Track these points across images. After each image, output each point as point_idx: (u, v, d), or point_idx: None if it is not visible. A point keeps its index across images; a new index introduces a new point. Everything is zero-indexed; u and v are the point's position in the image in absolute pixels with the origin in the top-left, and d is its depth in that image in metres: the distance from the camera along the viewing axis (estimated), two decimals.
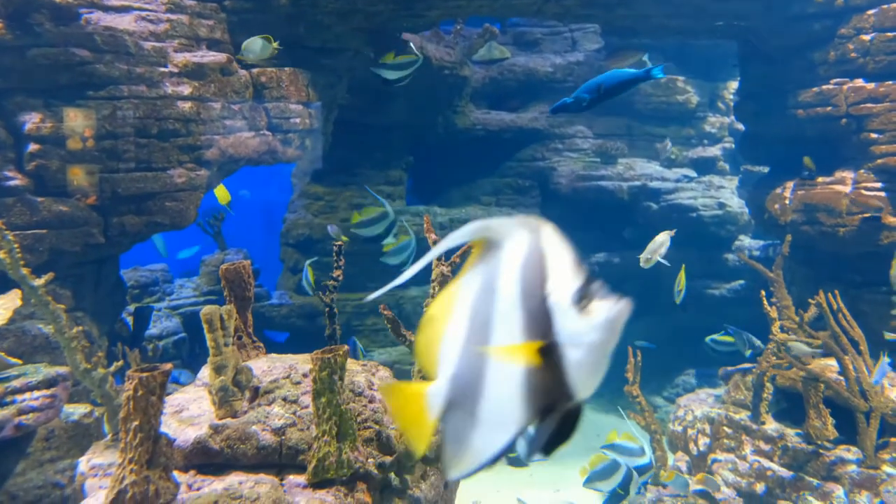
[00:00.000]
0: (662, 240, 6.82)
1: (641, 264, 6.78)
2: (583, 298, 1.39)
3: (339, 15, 7.52)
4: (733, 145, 12.28)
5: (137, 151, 6.48)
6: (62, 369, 5.15)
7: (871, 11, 7.26)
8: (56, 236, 6.13)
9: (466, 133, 11.73)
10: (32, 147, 6.03)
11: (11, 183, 5.97)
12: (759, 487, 6.29)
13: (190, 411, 3.61)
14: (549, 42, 12.98)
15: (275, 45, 6.84)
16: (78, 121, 6.18)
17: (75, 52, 6.12)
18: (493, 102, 12.38)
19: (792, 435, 6.36)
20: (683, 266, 7.63)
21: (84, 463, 3.78)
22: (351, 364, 3.88)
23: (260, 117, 7.38)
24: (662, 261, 6.83)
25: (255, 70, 7.37)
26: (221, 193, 9.14)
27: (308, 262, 9.71)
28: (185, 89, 6.71)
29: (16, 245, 4.49)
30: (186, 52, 6.88)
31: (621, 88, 6.46)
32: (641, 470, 6.41)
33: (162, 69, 6.66)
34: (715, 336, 9.08)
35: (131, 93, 6.42)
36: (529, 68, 12.40)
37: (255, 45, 6.83)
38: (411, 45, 8.85)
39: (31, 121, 6.02)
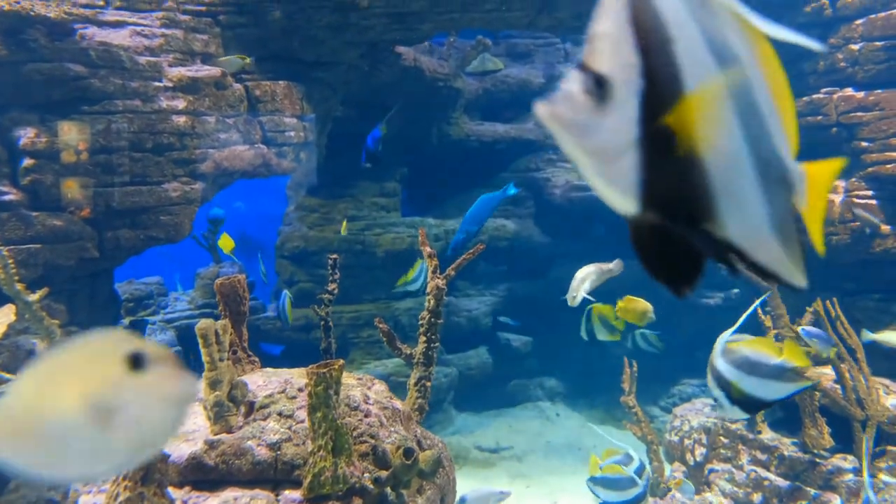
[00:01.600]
0: (583, 275, 6.11)
1: (569, 303, 6.09)
2: None
3: (332, 29, 7.57)
4: None
5: (132, 165, 6.49)
6: None
7: (859, 21, 7.34)
8: (51, 251, 6.12)
9: (460, 144, 11.77)
10: (27, 162, 6.04)
11: (6, 198, 5.96)
12: (757, 497, 6.28)
13: (185, 426, 3.60)
14: (543, 53, 13.07)
15: (247, 60, 6.96)
16: (72, 135, 6.19)
17: (70, 67, 6.13)
18: (487, 114, 12.44)
19: (788, 444, 6.36)
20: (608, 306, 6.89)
21: None
22: (346, 378, 3.88)
23: (255, 131, 7.41)
24: (588, 297, 6.11)
25: (249, 84, 7.40)
26: (225, 242, 9.22)
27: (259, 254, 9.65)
28: (180, 103, 6.73)
29: (10, 260, 4.49)
30: (181, 67, 6.90)
31: (493, 211, 8.54)
32: (636, 474, 6.40)
33: (157, 84, 6.68)
34: (646, 332, 8.56)
35: (126, 107, 6.44)
36: (523, 79, 12.47)
37: (229, 64, 7.05)
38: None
39: (26, 136, 6.03)
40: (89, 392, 1.30)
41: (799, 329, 6.08)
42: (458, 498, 5.09)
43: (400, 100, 10.31)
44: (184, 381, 1.35)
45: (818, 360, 6.47)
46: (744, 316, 4.53)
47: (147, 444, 1.36)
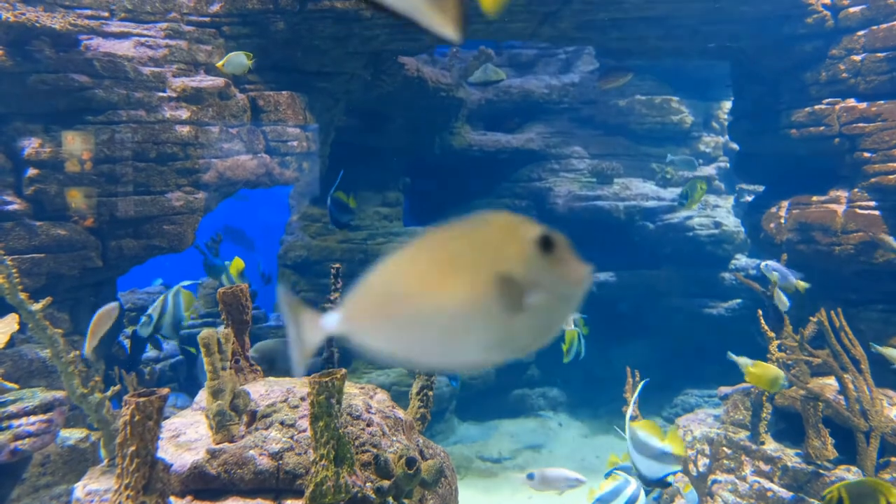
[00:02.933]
0: None
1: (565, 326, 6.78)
2: None
3: (335, 40, 7.61)
4: (728, 164, 12.38)
5: (135, 175, 6.52)
6: (59, 394, 5.14)
7: (861, 32, 7.35)
8: (54, 260, 6.13)
9: (463, 154, 11.80)
10: (31, 172, 6.06)
11: (10, 207, 5.99)
12: None
13: (187, 436, 3.60)
14: (545, 64, 13.12)
15: (249, 63, 6.86)
16: (76, 145, 6.22)
17: (75, 77, 6.17)
18: (490, 124, 12.48)
19: (792, 455, 6.33)
20: (576, 331, 7.64)
21: (80, 489, 3.75)
22: (348, 387, 3.88)
23: (257, 140, 7.43)
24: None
25: (252, 94, 7.43)
26: (236, 264, 9.31)
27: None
28: (183, 113, 6.76)
29: (14, 270, 4.50)
30: (185, 77, 6.94)
31: None
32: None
33: (160, 94, 6.71)
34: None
35: (130, 117, 6.47)
36: (525, 89, 12.52)
37: (234, 65, 6.83)
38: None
39: (31, 146, 6.06)
40: (501, 270, 1.21)
41: (763, 265, 6.30)
42: (526, 474, 5.26)
43: (401, 110, 10.34)
44: (583, 267, 1.27)
45: (818, 372, 6.45)
46: (636, 392, 5.37)
47: (549, 328, 1.28)
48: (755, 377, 5.78)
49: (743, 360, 6.79)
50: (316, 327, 1.37)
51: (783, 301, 6.47)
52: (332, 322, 1.33)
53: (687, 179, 12.26)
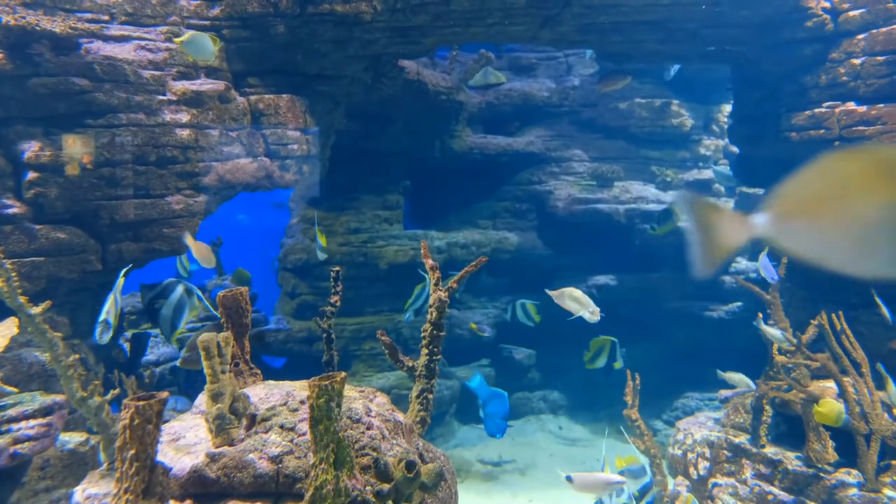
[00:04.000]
0: (578, 294, 6.56)
1: (592, 319, 6.56)
2: None
3: (335, 43, 7.61)
4: (728, 168, 12.38)
5: (136, 178, 6.52)
6: (58, 397, 5.13)
7: (860, 36, 7.36)
8: (54, 264, 6.13)
9: (463, 157, 11.81)
10: (31, 175, 6.07)
11: (10, 211, 5.99)
12: None
13: (186, 439, 3.59)
14: (545, 67, 13.14)
15: (216, 48, 6.54)
16: (77, 148, 6.23)
17: (75, 81, 6.18)
18: (490, 127, 12.49)
19: (792, 458, 6.33)
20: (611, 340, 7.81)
21: (79, 492, 3.75)
22: (348, 390, 3.87)
23: (258, 143, 7.44)
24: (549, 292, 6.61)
25: (253, 97, 7.44)
26: (240, 274, 9.35)
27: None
28: (184, 117, 6.76)
29: (13, 273, 4.50)
30: (185, 81, 6.95)
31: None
32: (644, 490, 6.37)
33: (160, 97, 6.72)
34: (526, 302, 8.72)
35: (130, 121, 6.47)
36: (525, 93, 12.53)
37: (198, 47, 6.43)
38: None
39: (31, 149, 6.06)
40: None
41: (760, 257, 6.64)
42: (564, 476, 5.40)
43: (402, 113, 10.36)
44: None
45: (820, 375, 6.45)
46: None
47: None
48: (823, 416, 5.87)
49: (730, 376, 6.89)
50: (741, 226, 1.46)
51: (770, 334, 6.51)
52: (761, 221, 1.44)
53: (689, 182, 12.27)
